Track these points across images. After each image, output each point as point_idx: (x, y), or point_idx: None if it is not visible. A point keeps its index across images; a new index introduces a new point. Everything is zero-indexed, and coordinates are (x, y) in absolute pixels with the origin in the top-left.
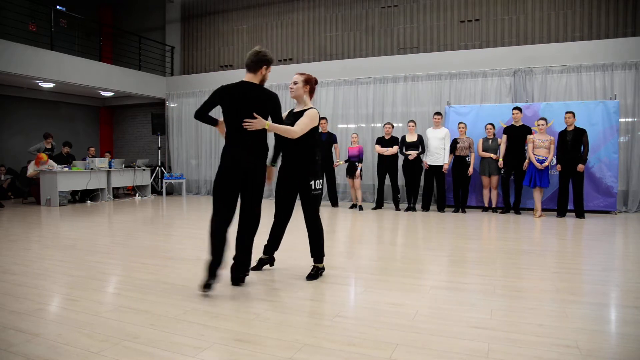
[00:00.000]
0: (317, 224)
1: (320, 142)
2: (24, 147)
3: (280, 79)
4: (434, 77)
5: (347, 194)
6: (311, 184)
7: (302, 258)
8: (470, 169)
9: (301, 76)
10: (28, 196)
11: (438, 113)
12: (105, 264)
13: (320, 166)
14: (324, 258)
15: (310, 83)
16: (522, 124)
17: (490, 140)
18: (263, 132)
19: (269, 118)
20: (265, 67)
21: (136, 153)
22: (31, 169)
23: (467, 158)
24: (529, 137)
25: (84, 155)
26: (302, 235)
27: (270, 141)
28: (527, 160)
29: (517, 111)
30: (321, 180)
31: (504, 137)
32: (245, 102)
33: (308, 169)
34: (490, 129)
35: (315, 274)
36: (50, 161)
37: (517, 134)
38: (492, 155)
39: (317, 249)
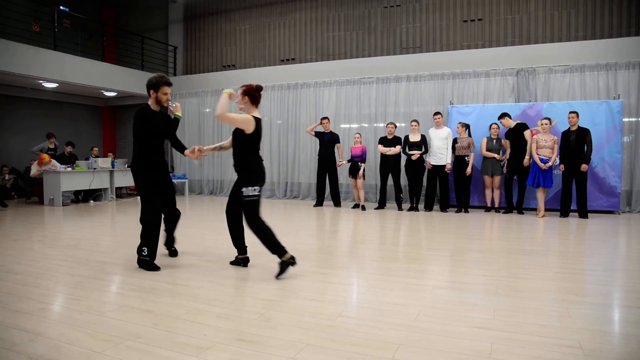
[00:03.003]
0: (258, 227)
1: (322, 142)
2: (27, 147)
3: (283, 79)
4: (436, 76)
5: (350, 194)
6: (242, 191)
7: (304, 258)
8: (469, 169)
9: (240, 89)
10: (31, 196)
11: (438, 113)
12: (108, 264)
13: (261, 177)
14: (285, 250)
15: (249, 93)
16: (516, 122)
17: (495, 140)
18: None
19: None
20: (152, 91)
21: None
22: (34, 169)
23: (466, 158)
24: (533, 137)
25: (86, 155)
26: (304, 236)
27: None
28: (527, 157)
29: (501, 119)
30: (257, 187)
31: (508, 142)
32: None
33: (240, 176)
34: (495, 128)
35: (281, 270)
36: (53, 161)
37: (516, 135)
38: (495, 155)
39: (270, 247)
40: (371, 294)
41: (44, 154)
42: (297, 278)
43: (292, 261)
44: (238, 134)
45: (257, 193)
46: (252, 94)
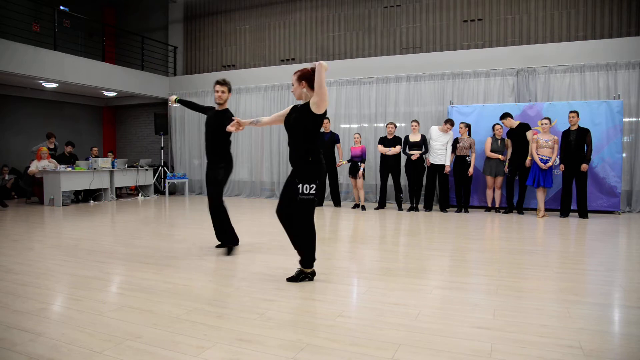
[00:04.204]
0: (308, 231)
1: (323, 142)
2: (27, 147)
3: (283, 79)
4: (436, 76)
5: (350, 194)
6: (298, 187)
7: None
8: (471, 169)
9: (294, 75)
10: (31, 196)
11: (451, 123)
12: (108, 264)
13: (319, 171)
14: (314, 264)
15: (306, 77)
16: (518, 122)
17: (499, 141)
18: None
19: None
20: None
21: (139, 153)
22: (33, 166)
23: (467, 158)
24: (533, 137)
25: (87, 155)
26: None
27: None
28: (529, 158)
29: (503, 120)
30: (314, 185)
31: (509, 141)
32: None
33: (298, 171)
34: (499, 129)
35: (296, 276)
36: (52, 159)
37: (518, 135)
38: (499, 156)
39: (306, 254)
40: (371, 294)
41: (42, 146)
42: None
43: (312, 276)
44: (304, 114)
45: (313, 192)
46: (311, 78)
